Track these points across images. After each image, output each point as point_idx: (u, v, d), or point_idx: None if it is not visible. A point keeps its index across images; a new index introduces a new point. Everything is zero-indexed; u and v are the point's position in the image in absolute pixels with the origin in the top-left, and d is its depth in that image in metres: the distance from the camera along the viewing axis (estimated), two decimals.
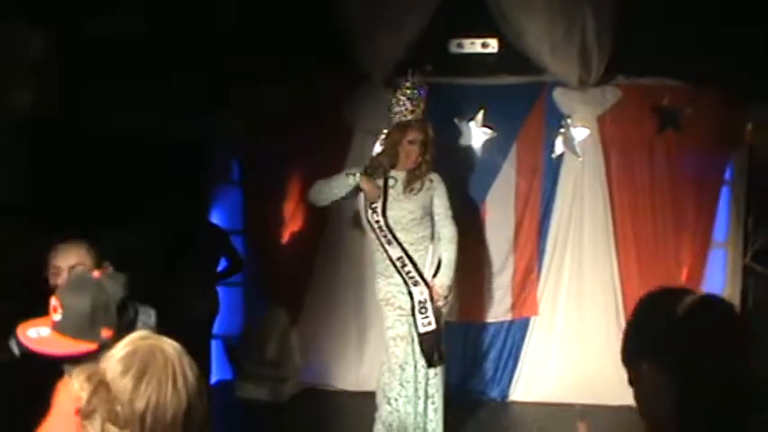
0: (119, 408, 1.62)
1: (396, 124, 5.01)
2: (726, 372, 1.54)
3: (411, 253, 4.99)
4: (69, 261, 2.97)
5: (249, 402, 6.19)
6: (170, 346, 1.71)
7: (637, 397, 1.66)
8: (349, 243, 6.33)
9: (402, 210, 4.99)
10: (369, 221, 5.08)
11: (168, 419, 1.63)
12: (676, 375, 1.55)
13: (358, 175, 4.99)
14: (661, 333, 1.60)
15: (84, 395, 1.64)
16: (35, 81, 4.64)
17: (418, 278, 4.96)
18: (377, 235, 5.03)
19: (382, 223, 5.00)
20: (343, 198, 5.09)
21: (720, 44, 5.38)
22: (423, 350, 4.93)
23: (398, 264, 4.97)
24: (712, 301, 1.65)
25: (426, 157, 5.02)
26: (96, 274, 2.17)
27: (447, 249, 5.03)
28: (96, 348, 2.08)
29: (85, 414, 1.64)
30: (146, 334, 1.75)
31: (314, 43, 5.93)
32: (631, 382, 1.67)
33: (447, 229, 5.05)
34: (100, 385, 1.64)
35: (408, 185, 5.01)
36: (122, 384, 1.63)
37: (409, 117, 4.99)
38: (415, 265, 4.98)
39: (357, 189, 5.03)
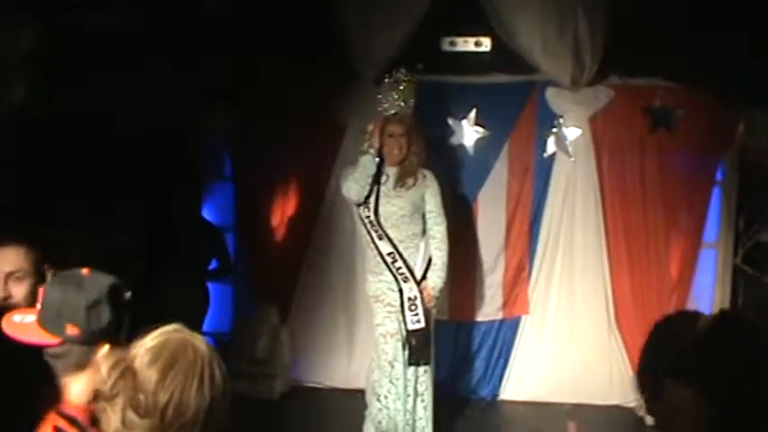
0: (141, 397, 1.61)
1: (378, 118, 5.04)
2: (752, 385, 1.55)
3: (401, 250, 4.99)
4: (4, 267, 2.67)
5: (239, 399, 6.14)
6: (202, 343, 1.71)
7: (657, 414, 1.68)
8: (340, 241, 6.32)
9: (392, 206, 5.00)
10: (360, 217, 5.09)
11: (189, 416, 1.63)
12: (701, 390, 1.56)
13: (371, 151, 4.99)
14: (684, 350, 1.62)
15: (110, 379, 1.63)
16: (29, 75, 4.61)
17: (408, 275, 4.97)
18: (368, 230, 5.04)
19: (373, 219, 5.01)
20: (375, 179, 5.04)
21: (713, 45, 5.38)
22: (410, 347, 4.93)
23: (389, 259, 4.98)
24: (733, 316, 1.67)
25: (413, 149, 5.02)
26: (85, 271, 2.14)
27: (439, 249, 5.03)
28: (59, 342, 2.04)
29: (108, 397, 1.64)
30: (179, 327, 1.73)
31: (307, 41, 5.92)
32: (648, 403, 1.69)
33: (439, 228, 5.05)
34: (127, 371, 1.63)
35: (399, 180, 5.02)
36: (149, 374, 1.63)
37: (390, 111, 5.01)
38: (405, 261, 4.98)
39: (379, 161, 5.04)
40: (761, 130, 5.91)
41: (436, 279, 5.00)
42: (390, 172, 5.07)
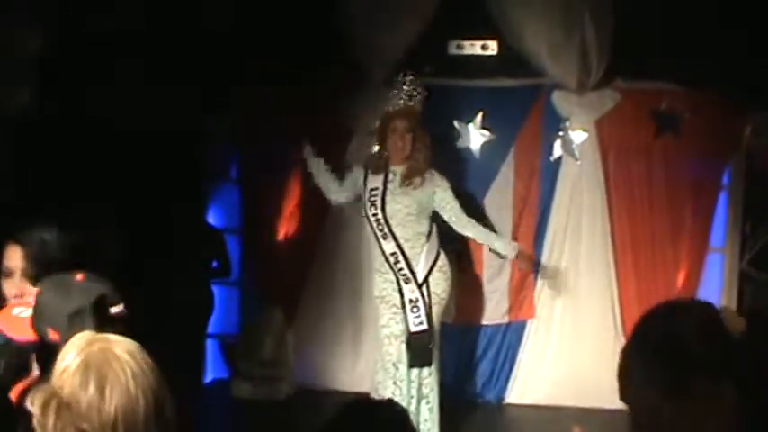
0: (86, 425, 1.57)
1: (381, 117, 5.07)
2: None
3: (407, 250, 4.99)
4: (17, 263, 2.66)
5: (245, 402, 6.19)
6: (121, 345, 1.66)
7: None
8: (346, 244, 6.33)
9: (398, 204, 5.00)
10: (367, 215, 5.09)
11: (141, 421, 1.59)
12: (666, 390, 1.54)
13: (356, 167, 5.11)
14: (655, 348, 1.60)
15: (48, 420, 1.57)
16: (33, 77, 4.63)
17: (410, 276, 4.97)
18: (373, 229, 5.05)
19: (380, 216, 5.02)
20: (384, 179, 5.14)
21: (720, 48, 5.38)
22: (412, 349, 4.93)
23: (392, 259, 4.99)
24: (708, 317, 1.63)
25: (418, 145, 5.03)
26: (79, 276, 2.11)
27: (478, 227, 5.15)
28: (36, 340, 2.04)
29: None
30: (90, 337, 1.68)
31: (313, 43, 5.93)
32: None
33: (464, 217, 5.14)
34: (61, 407, 1.58)
35: (406, 179, 5.03)
36: (86, 399, 1.58)
37: (394, 107, 5.04)
38: (408, 262, 4.98)
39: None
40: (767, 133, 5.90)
41: (504, 246, 5.18)
42: (397, 170, 5.08)
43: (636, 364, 1.63)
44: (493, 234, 5.24)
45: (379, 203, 5.04)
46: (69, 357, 1.64)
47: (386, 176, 5.07)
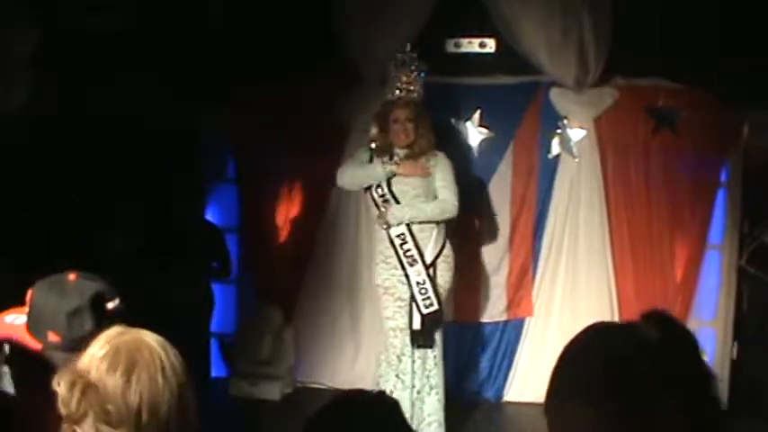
0: (111, 407, 1.59)
1: (382, 104, 5.06)
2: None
3: (415, 231, 4.97)
4: None
5: (243, 400, 6.18)
6: (152, 338, 1.69)
7: None
8: (344, 242, 6.32)
9: (405, 185, 5.01)
10: (373, 199, 5.09)
11: (163, 412, 1.62)
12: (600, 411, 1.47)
13: (389, 167, 4.99)
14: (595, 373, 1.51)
15: (73, 399, 1.60)
16: (27, 75, 4.62)
17: (417, 257, 4.94)
18: (379, 209, 5.06)
19: (388, 196, 5.01)
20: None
21: (717, 45, 5.38)
22: (423, 331, 4.92)
23: (397, 241, 4.96)
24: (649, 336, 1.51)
25: (421, 131, 5.02)
26: (72, 276, 2.08)
27: (437, 204, 4.99)
28: (42, 348, 1.97)
29: (75, 419, 1.61)
30: (122, 329, 1.71)
31: (311, 42, 5.93)
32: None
33: (448, 196, 5.01)
34: (88, 387, 1.61)
35: (410, 161, 5.02)
36: (112, 383, 1.61)
37: (394, 96, 5.02)
38: (416, 242, 4.95)
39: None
40: (765, 130, 5.90)
41: (408, 210, 4.96)
42: (401, 153, 5.08)
43: (568, 384, 1.55)
44: (420, 206, 5.01)
45: (385, 185, 5.04)
46: (100, 344, 1.67)
47: (391, 158, 5.07)
